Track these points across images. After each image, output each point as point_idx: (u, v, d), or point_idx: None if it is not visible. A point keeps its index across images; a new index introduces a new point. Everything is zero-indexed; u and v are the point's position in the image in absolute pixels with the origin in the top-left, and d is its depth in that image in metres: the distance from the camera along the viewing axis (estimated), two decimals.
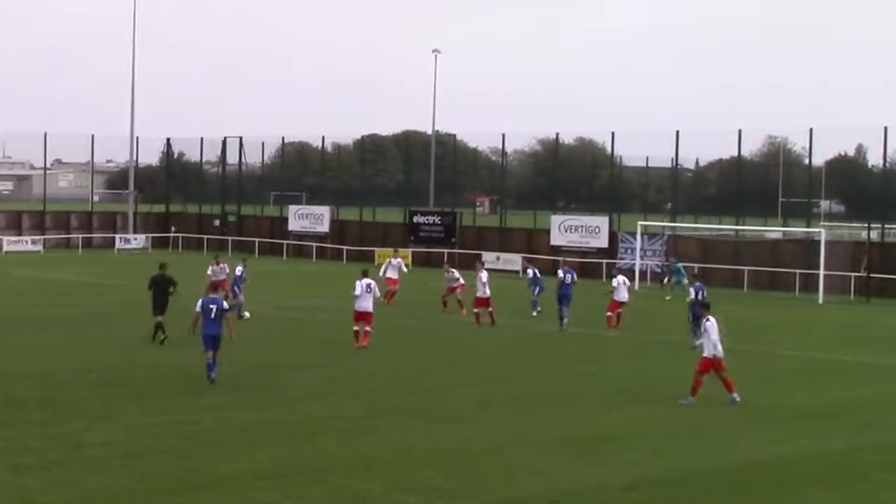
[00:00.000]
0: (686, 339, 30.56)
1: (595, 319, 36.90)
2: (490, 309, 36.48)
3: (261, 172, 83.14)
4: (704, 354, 23.11)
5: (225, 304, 24.66)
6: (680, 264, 50.44)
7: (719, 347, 23.06)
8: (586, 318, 37.18)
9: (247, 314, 35.51)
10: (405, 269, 44.04)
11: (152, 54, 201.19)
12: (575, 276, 37.48)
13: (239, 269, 36.49)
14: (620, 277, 37.84)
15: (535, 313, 39.31)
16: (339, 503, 15.25)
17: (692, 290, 34.34)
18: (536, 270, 41.14)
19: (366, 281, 30.79)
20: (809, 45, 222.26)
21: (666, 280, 50.74)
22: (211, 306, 24.18)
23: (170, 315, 29.58)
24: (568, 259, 46.47)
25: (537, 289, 39.68)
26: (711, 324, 23.23)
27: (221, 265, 38.61)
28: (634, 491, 16.06)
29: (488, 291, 36.55)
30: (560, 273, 37.37)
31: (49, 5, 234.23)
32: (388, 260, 44.22)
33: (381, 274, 41.96)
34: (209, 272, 37.78)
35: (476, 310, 36.65)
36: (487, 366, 28.32)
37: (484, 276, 36.91)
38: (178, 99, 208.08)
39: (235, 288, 35.99)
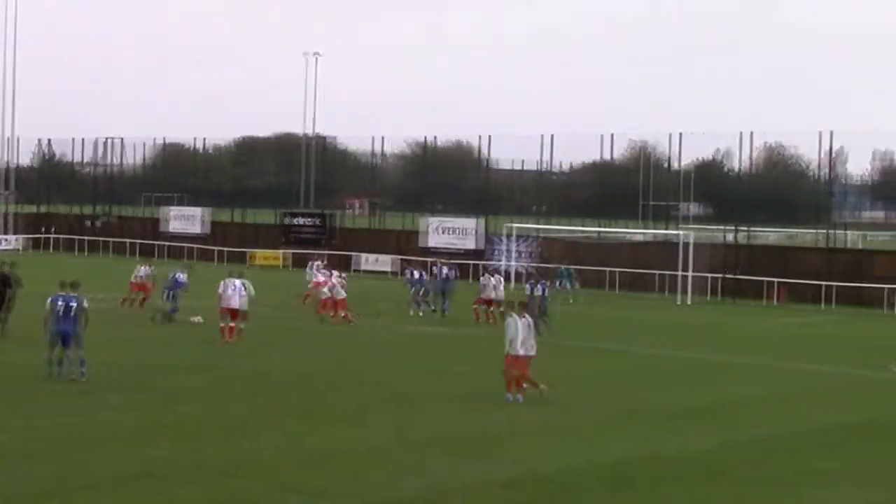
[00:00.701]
0: (543, 335, 30.75)
1: (470, 319, 37.82)
2: (345, 311, 37.34)
3: (141, 173, 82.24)
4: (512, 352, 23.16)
5: (85, 303, 24.17)
6: (563, 267, 51.06)
7: (515, 345, 23.03)
8: (462, 319, 37.96)
9: (194, 319, 35.50)
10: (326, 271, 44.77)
11: (31, 54, 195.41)
12: (457, 273, 40.73)
13: (181, 276, 36.71)
14: (489, 277, 39.38)
15: (411, 312, 40.39)
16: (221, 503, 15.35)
17: (538, 287, 35.83)
18: (423, 272, 42.05)
19: (237, 280, 31.66)
20: (674, 52, 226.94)
21: (559, 283, 50.10)
22: (60, 303, 23.87)
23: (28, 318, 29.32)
24: (446, 261, 47.21)
25: (423, 289, 40.84)
26: (511, 321, 23.35)
27: (146, 269, 39.76)
28: (512, 489, 16.41)
29: (343, 293, 37.61)
30: (439, 269, 40.17)
31: None
32: (312, 263, 44.85)
33: (308, 279, 43.09)
34: (134, 274, 39.87)
35: (331, 313, 37.49)
36: (366, 366, 28.58)
37: (335, 282, 38.22)
38: (58, 99, 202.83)
39: (171, 292, 36.28)
